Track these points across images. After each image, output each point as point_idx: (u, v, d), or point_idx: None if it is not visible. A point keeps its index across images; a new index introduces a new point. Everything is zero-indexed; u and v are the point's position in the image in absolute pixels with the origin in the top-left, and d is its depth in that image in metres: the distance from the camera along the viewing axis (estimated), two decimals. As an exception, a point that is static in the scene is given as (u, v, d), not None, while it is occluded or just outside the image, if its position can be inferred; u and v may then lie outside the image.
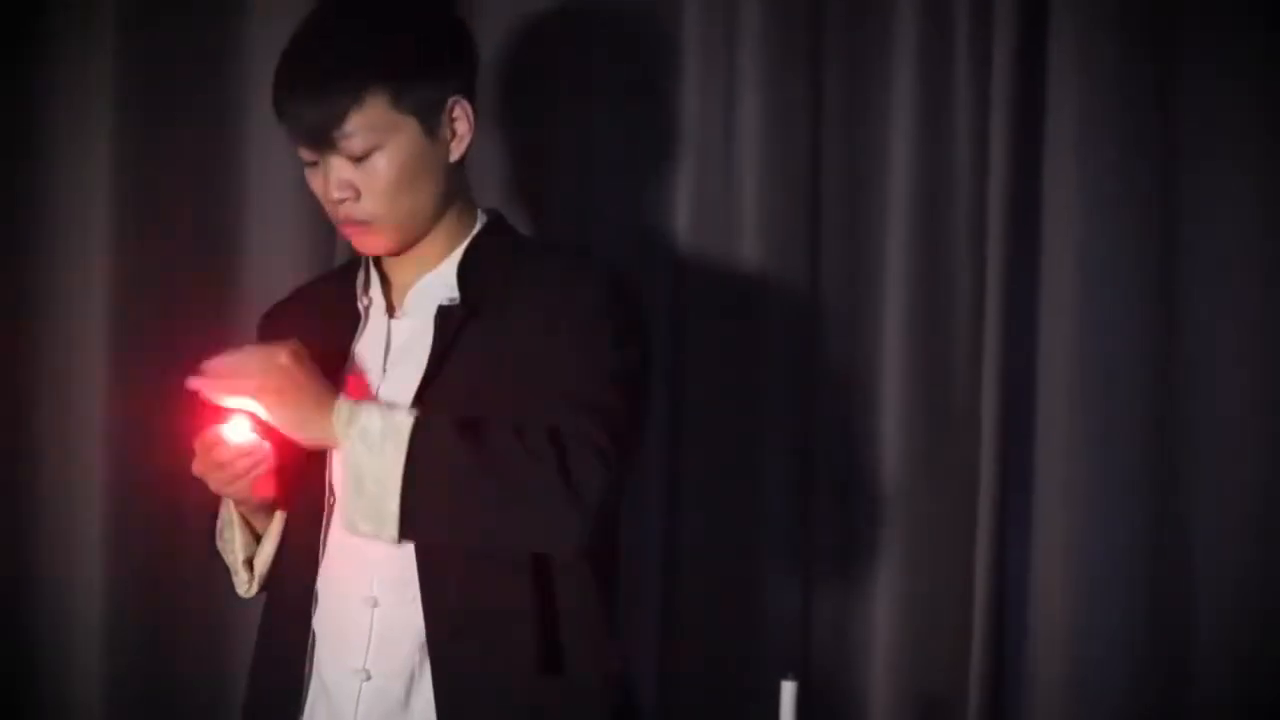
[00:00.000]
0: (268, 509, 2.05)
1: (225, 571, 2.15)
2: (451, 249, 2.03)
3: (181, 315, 2.55)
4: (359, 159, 1.90)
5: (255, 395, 1.87)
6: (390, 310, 2.04)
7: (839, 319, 2.60)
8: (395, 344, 2.01)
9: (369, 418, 1.87)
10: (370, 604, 1.96)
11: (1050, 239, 2.54)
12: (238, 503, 2.04)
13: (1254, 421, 2.54)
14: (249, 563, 2.09)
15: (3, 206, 2.57)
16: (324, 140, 1.90)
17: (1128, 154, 2.53)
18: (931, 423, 2.58)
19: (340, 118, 1.89)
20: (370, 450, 1.84)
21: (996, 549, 2.51)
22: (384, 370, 2.00)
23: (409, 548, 1.91)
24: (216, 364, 1.89)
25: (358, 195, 1.92)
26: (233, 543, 2.09)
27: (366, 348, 2.03)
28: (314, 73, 1.91)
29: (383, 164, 1.91)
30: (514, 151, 2.57)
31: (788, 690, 1.86)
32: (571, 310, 1.94)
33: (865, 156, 2.59)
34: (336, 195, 1.93)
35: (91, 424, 2.58)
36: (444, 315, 1.96)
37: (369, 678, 1.94)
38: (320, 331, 1.99)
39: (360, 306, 2.05)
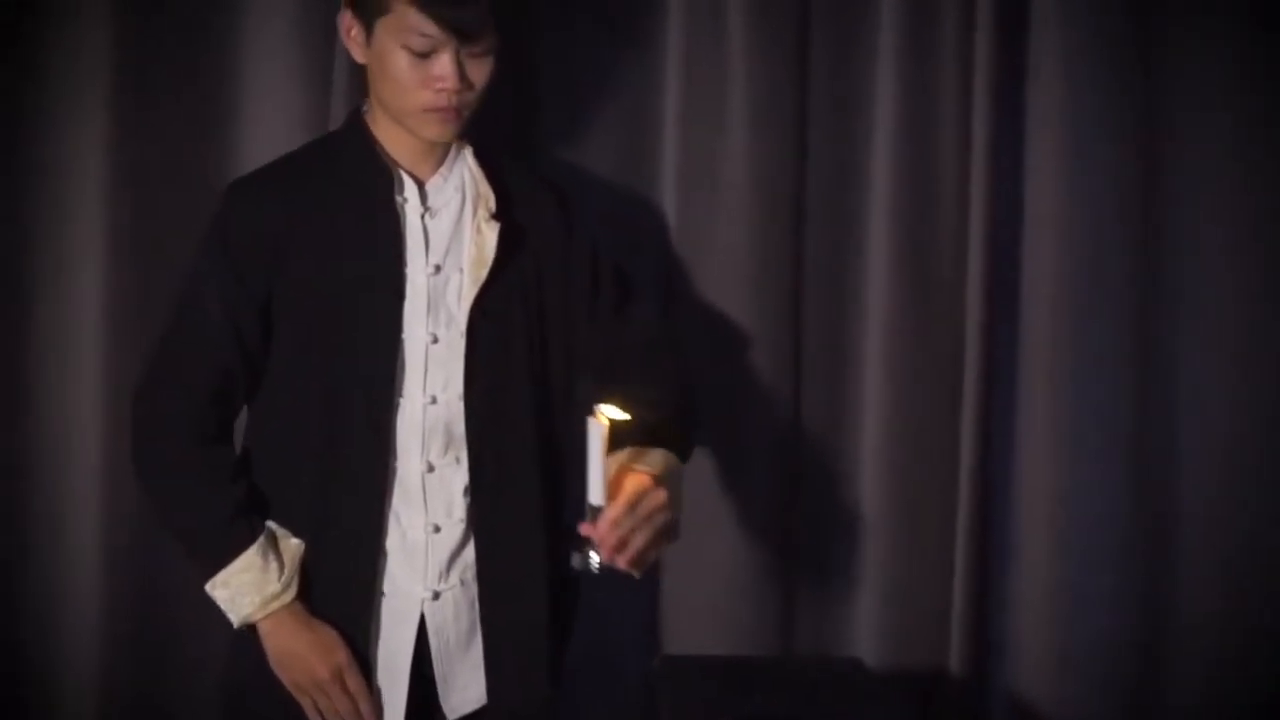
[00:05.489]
0: None
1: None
2: (438, 146, 2.26)
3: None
4: (479, 55, 2.16)
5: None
6: (424, 208, 2.24)
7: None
8: (435, 244, 2.21)
9: None
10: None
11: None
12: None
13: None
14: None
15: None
16: (476, 32, 2.15)
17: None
18: (913, 416, 2.67)
19: (489, 16, 2.15)
20: None
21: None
22: (436, 270, 2.21)
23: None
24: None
25: (470, 86, 2.17)
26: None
27: (409, 249, 2.22)
28: None
29: (490, 63, 2.19)
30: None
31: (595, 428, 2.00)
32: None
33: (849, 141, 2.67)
34: (463, 83, 2.17)
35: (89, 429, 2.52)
36: (509, 230, 2.23)
37: (437, 530, 2.22)
38: (351, 229, 2.19)
39: (398, 203, 2.21)
